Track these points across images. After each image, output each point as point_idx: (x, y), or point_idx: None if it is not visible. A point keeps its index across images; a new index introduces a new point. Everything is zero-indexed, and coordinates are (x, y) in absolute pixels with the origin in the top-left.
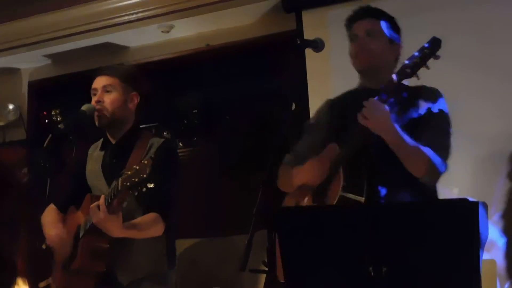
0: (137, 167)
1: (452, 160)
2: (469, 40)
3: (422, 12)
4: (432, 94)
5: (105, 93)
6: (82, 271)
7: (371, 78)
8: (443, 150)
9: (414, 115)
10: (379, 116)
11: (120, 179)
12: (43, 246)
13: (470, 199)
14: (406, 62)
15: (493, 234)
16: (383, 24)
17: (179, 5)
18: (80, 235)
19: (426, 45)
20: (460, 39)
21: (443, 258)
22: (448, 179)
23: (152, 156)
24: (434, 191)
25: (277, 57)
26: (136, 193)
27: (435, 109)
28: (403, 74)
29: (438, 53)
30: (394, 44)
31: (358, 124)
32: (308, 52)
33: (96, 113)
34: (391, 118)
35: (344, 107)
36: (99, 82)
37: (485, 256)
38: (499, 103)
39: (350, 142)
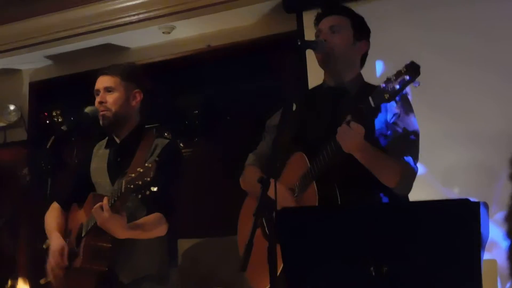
0: (141, 170)
1: (453, 160)
2: (471, 38)
3: (425, 10)
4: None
5: (107, 93)
6: (84, 270)
7: (334, 75)
8: (413, 148)
9: (380, 119)
10: (350, 139)
11: (123, 181)
12: (44, 246)
13: (471, 199)
14: (383, 86)
15: (494, 234)
16: (349, 22)
17: (180, 6)
18: (83, 234)
19: (405, 71)
20: (462, 38)
21: (444, 258)
22: (449, 178)
23: (157, 159)
24: (406, 199)
25: (278, 58)
26: (140, 196)
27: (396, 113)
28: (380, 98)
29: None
30: (360, 42)
31: (330, 141)
32: (309, 52)
33: (100, 113)
34: (362, 138)
35: (307, 107)
36: (101, 82)
37: (486, 256)
38: (500, 102)
39: (322, 158)
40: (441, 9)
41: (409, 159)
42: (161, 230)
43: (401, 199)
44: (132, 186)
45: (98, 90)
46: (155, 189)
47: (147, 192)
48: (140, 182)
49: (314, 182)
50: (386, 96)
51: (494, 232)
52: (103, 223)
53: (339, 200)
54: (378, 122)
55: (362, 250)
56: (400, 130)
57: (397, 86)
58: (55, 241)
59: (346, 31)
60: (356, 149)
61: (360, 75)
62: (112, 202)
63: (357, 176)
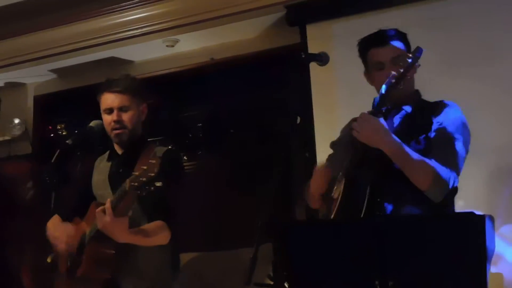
0: (145, 167)
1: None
2: (477, 53)
3: (430, 26)
4: (437, 107)
5: (123, 113)
6: (87, 278)
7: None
8: (452, 163)
9: (420, 129)
10: (371, 129)
11: (127, 180)
12: (48, 260)
13: (477, 212)
14: (393, 73)
15: (500, 247)
16: (404, 47)
17: (184, 19)
18: (86, 242)
19: (409, 56)
20: (468, 52)
21: (450, 272)
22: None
23: (160, 155)
24: (444, 206)
25: (282, 71)
26: (144, 193)
27: (439, 123)
28: (389, 83)
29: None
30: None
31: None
32: (313, 65)
33: (113, 132)
34: (389, 131)
35: None
36: (112, 100)
37: (492, 269)
38: (505, 115)
39: (353, 155)
40: (444, 24)
41: (440, 166)
42: (163, 237)
43: (435, 209)
44: (136, 184)
45: (111, 109)
46: (159, 184)
47: (152, 188)
48: (144, 179)
49: (343, 181)
50: (393, 80)
51: (500, 245)
52: (105, 226)
53: (364, 209)
54: (413, 125)
55: (367, 264)
56: (438, 137)
57: (401, 70)
58: (52, 221)
59: (406, 58)
60: (382, 142)
61: (417, 91)
62: (115, 203)
63: (389, 184)
